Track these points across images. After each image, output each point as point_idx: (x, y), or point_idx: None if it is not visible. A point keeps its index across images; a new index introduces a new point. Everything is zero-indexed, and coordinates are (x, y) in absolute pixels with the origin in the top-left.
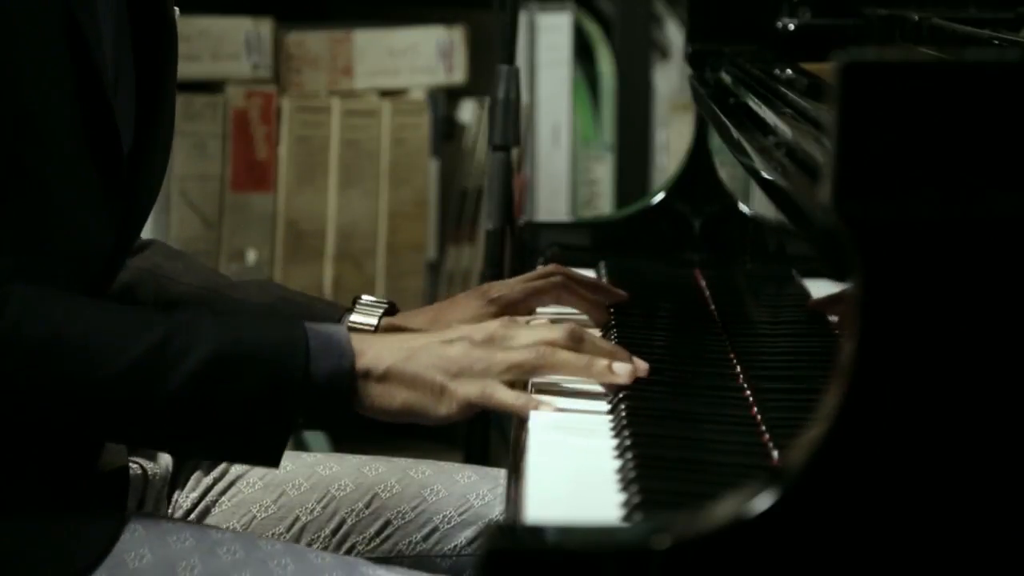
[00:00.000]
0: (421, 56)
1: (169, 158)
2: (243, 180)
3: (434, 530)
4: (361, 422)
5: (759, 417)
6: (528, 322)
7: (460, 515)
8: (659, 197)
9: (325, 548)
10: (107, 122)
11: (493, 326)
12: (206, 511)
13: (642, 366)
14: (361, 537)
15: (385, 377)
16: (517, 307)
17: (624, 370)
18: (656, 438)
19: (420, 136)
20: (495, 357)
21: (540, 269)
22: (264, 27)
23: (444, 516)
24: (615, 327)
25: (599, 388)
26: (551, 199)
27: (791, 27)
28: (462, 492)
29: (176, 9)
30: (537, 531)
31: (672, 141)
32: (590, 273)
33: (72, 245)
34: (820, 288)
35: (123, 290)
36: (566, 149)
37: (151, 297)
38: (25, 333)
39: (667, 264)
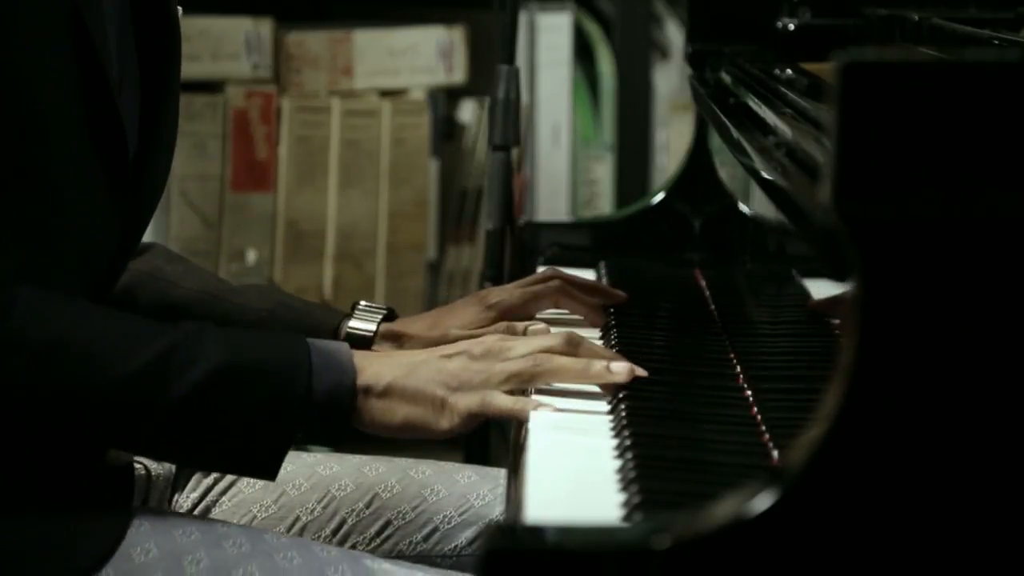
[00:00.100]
0: (421, 56)
1: (172, 158)
2: (243, 180)
3: (434, 530)
4: (361, 434)
5: (759, 417)
6: (526, 329)
7: (460, 515)
8: (659, 197)
9: None
10: (113, 122)
11: (491, 339)
12: (206, 511)
13: (640, 373)
14: (361, 537)
15: (386, 393)
16: (515, 312)
17: (622, 370)
18: (656, 438)
19: (420, 136)
20: (494, 368)
21: (538, 274)
22: (264, 27)
23: (444, 516)
24: (615, 327)
25: (599, 388)
26: (551, 199)
27: (791, 27)
28: (462, 492)
29: (179, 9)
30: (537, 531)
31: (672, 141)
32: (590, 273)
33: (77, 245)
34: (820, 288)
35: (122, 293)
36: (566, 149)
37: (150, 300)
38: (30, 336)
39: (667, 264)
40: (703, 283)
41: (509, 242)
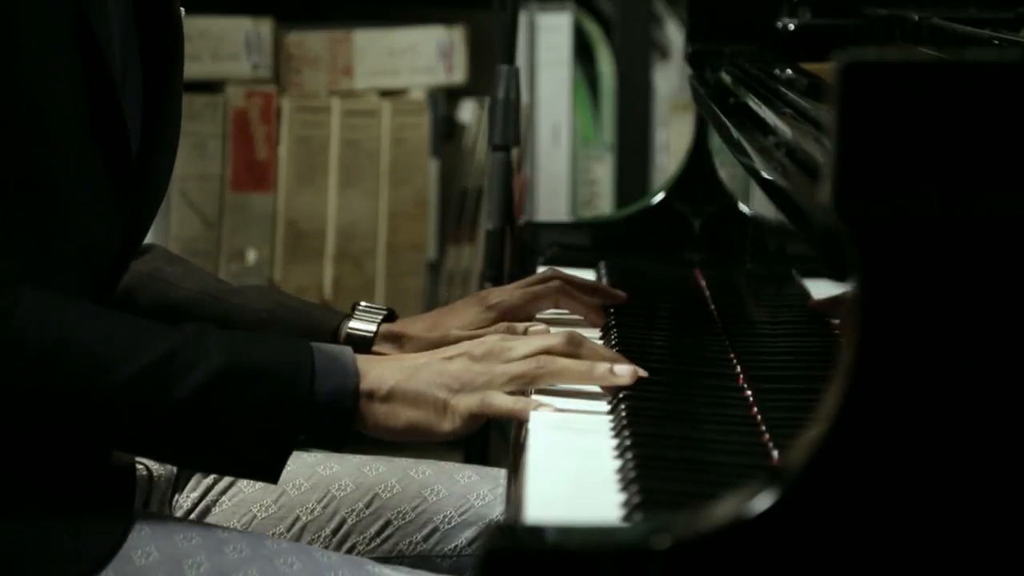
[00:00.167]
0: (421, 56)
1: (175, 159)
2: (243, 180)
3: (434, 530)
4: (364, 436)
5: (759, 417)
6: (526, 329)
7: (460, 515)
8: (659, 197)
9: (326, 548)
10: (117, 123)
11: (492, 339)
12: (206, 511)
13: (641, 374)
14: (361, 537)
15: (389, 397)
16: (516, 312)
17: (625, 371)
18: (656, 438)
19: (420, 136)
20: (496, 370)
21: (538, 274)
22: (264, 27)
23: (444, 516)
24: (615, 327)
25: (599, 388)
26: (551, 199)
27: (791, 27)
28: (462, 492)
29: (182, 11)
30: (537, 531)
31: (672, 141)
32: (590, 273)
33: (81, 246)
34: (820, 288)
35: (122, 293)
36: (566, 149)
37: (150, 301)
38: (32, 337)
39: (667, 264)
40: (703, 283)
41: (509, 242)
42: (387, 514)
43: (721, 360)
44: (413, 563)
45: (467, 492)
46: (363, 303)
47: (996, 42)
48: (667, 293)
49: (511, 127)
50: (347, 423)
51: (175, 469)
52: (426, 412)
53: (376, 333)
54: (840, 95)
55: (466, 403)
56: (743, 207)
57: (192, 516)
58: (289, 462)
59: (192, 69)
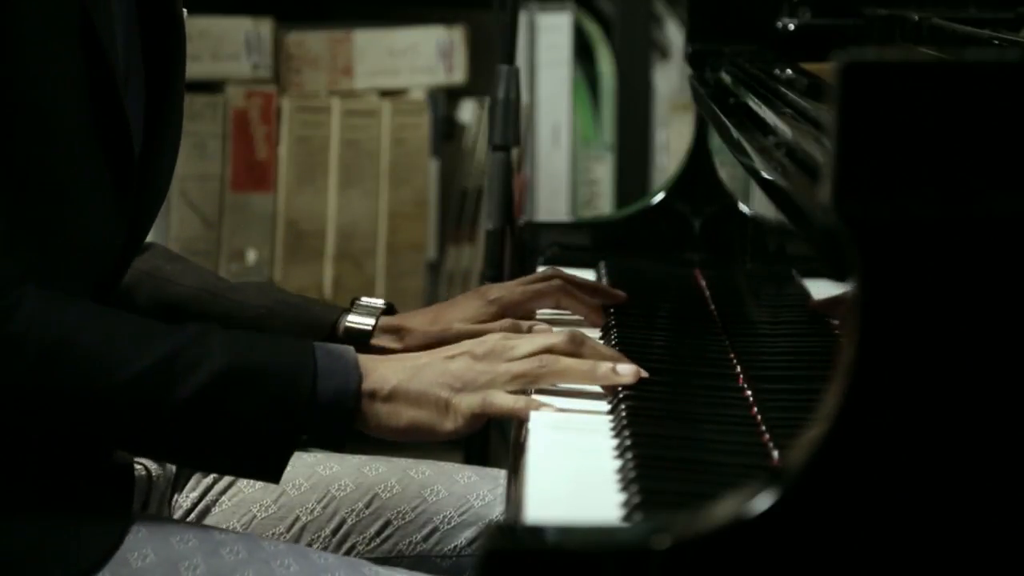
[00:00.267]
0: (421, 56)
1: (177, 158)
2: (243, 180)
3: (434, 530)
4: (365, 437)
5: (759, 417)
6: (530, 327)
7: (460, 515)
8: (659, 197)
9: (325, 548)
10: (119, 122)
11: (493, 338)
12: (206, 510)
13: (642, 374)
14: (361, 537)
15: (391, 397)
16: (516, 309)
17: (628, 371)
18: (656, 438)
19: (420, 136)
20: (498, 369)
21: (539, 272)
22: (264, 27)
23: (444, 516)
24: (615, 328)
25: (599, 388)
26: (551, 199)
27: (791, 27)
28: (462, 492)
29: (184, 11)
30: (537, 531)
31: (672, 141)
32: (590, 273)
33: (83, 245)
34: (820, 288)
35: (122, 291)
36: (566, 149)
37: (148, 298)
38: (35, 337)
39: (667, 264)
40: (703, 283)
41: (509, 242)
42: (387, 514)
43: (721, 360)
44: (413, 563)
45: (467, 492)
46: (362, 298)
47: (996, 42)
48: (667, 293)
49: (511, 127)
50: (349, 423)
51: (174, 469)
52: (428, 412)
53: (375, 327)
54: (840, 95)
55: (468, 402)
56: (743, 207)
57: (192, 516)
58: (289, 462)
59: (192, 69)
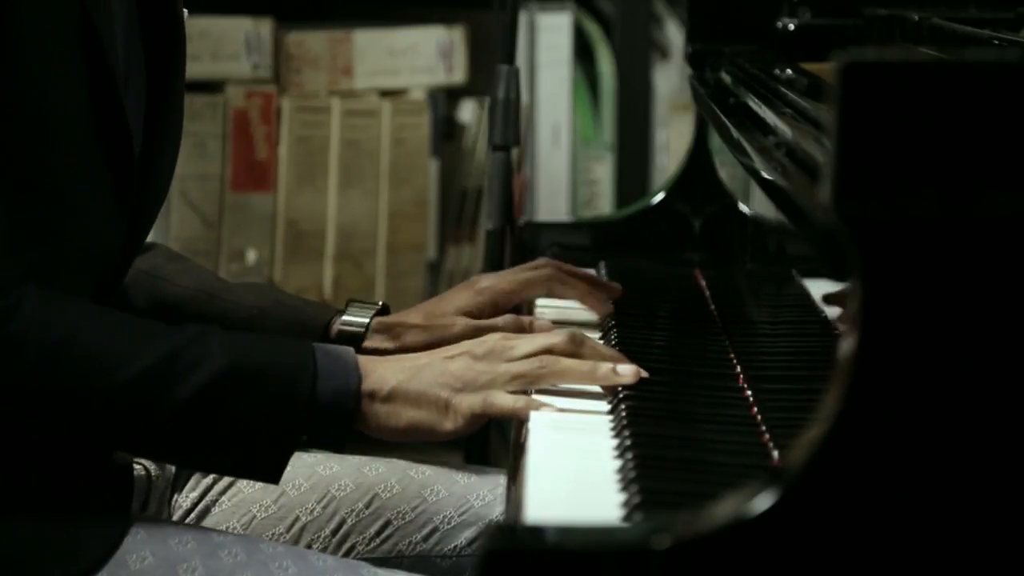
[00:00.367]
0: (421, 56)
1: (177, 158)
2: (243, 180)
3: (434, 530)
4: (365, 437)
5: (759, 417)
6: (531, 323)
7: (460, 515)
8: (659, 197)
9: (325, 548)
10: (119, 122)
11: (493, 338)
12: (206, 511)
13: (642, 374)
14: (361, 537)
15: (391, 397)
16: (507, 298)
17: (628, 371)
18: (656, 438)
19: (420, 136)
20: (498, 369)
21: (531, 262)
22: (264, 27)
23: (444, 516)
24: (615, 327)
25: (599, 388)
26: (551, 199)
27: (791, 27)
28: (462, 493)
29: (185, 12)
30: (537, 531)
31: (672, 141)
32: (589, 272)
33: (82, 245)
34: (820, 288)
35: (120, 291)
36: (566, 149)
37: (146, 298)
38: (35, 337)
39: (667, 264)
40: (703, 283)
41: (509, 242)
42: (387, 514)
43: (721, 360)
44: (413, 563)
45: (467, 492)
46: (357, 300)
47: (996, 42)
48: (667, 293)
49: (511, 127)
50: (349, 424)
51: (174, 469)
52: (428, 412)
53: (367, 328)
54: (840, 95)
55: (468, 402)
56: (743, 207)
57: (191, 516)
58: (289, 463)
59: (192, 69)
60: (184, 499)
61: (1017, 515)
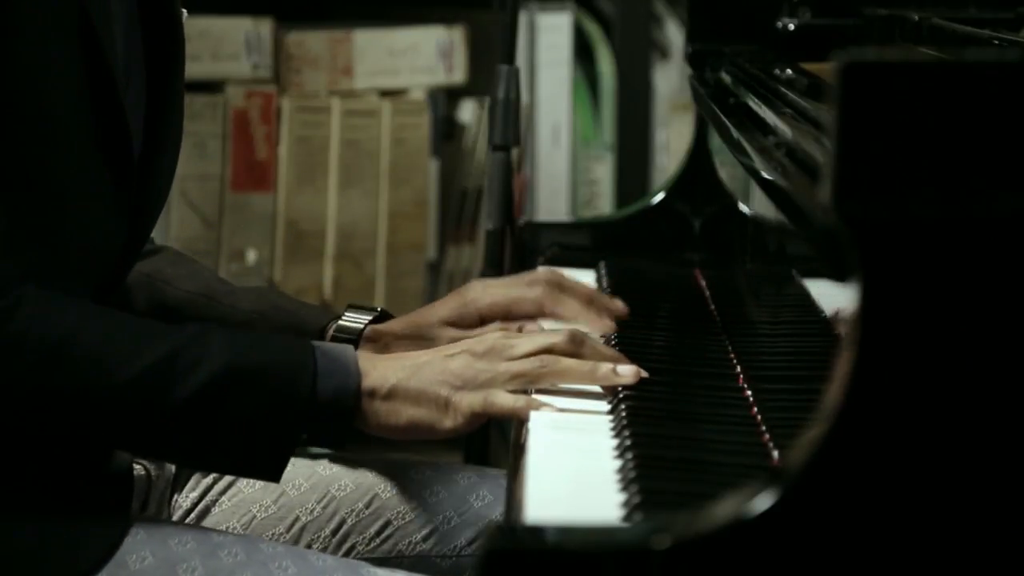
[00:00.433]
0: (421, 56)
1: (178, 158)
2: (243, 180)
3: (434, 531)
4: (365, 435)
5: (759, 417)
6: (521, 328)
7: (460, 516)
8: (659, 197)
9: (325, 548)
10: (118, 123)
11: (493, 336)
12: (206, 511)
13: (642, 375)
14: (361, 537)
15: (391, 395)
16: (495, 311)
17: (628, 372)
18: (656, 438)
19: (420, 136)
20: (499, 367)
21: (529, 272)
22: (264, 27)
23: (444, 517)
24: (615, 328)
25: (599, 388)
26: (551, 199)
27: (791, 27)
28: (462, 493)
29: (184, 11)
30: (537, 531)
31: (672, 141)
32: (590, 273)
33: (83, 246)
34: (820, 288)
35: (123, 294)
36: (566, 149)
37: (147, 302)
38: (34, 337)
39: (667, 264)
40: (703, 283)
41: (509, 242)
42: (387, 514)
43: (721, 360)
44: (413, 563)
45: (467, 493)
46: (355, 305)
47: (996, 42)
48: (667, 293)
49: (511, 127)
50: (349, 422)
51: (173, 469)
52: (428, 410)
53: (360, 335)
54: (840, 95)
55: (468, 401)
56: (743, 207)
57: (192, 516)
58: (289, 463)
59: (192, 69)
60: (184, 499)
61: (1017, 515)
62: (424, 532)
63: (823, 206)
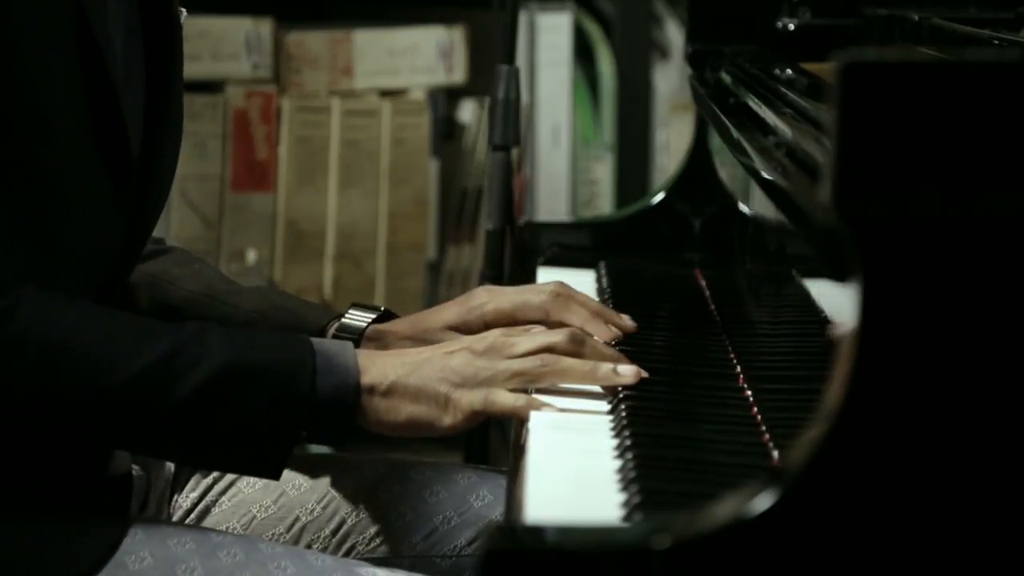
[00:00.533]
0: (421, 56)
1: (178, 158)
2: (243, 180)
3: (434, 531)
4: (365, 432)
5: (759, 417)
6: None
7: (460, 516)
8: (659, 197)
9: (325, 548)
10: (116, 123)
11: (493, 334)
12: (206, 511)
13: (643, 375)
14: (361, 537)
15: (390, 392)
16: (500, 320)
17: (629, 372)
18: (656, 438)
19: (420, 136)
20: (499, 366)
21: (538, 284)
22: (264, 27)
23: (444, 517)
24: None
25: (599, 388)
26: (551, 199)
27: (791, 27)
28: (462, 493)
29: (183, 11)
30: (537, 531)
31: (672, 141)
32: (590, 273)
33: (81, 246)
34: (820, 288)
35: (127, 293)
36: (566, 149)
37: (150, 302)
38: (34, 338)
39: (667, 264)
40: (703, 283)
41: (509, 242)
42: (387, 514)
43: (721, 360)
44: (412, 564)
45: (467, 493)
46: (358, 304)
47: (996, 42)
48: (667, 293)
49: (511, 127)
50: (349, 418)
51: (173, 469)
52: (428, 407)
53: (362, 334)
54: (840, 95)
55: (469, 399)
56: (743, 207)
57: (192, 516)
58: (288, 461)
59: (192, 69)
60: (184, 499)
61: (1017, 514)
62: (424, 532)
63: (823, 206)
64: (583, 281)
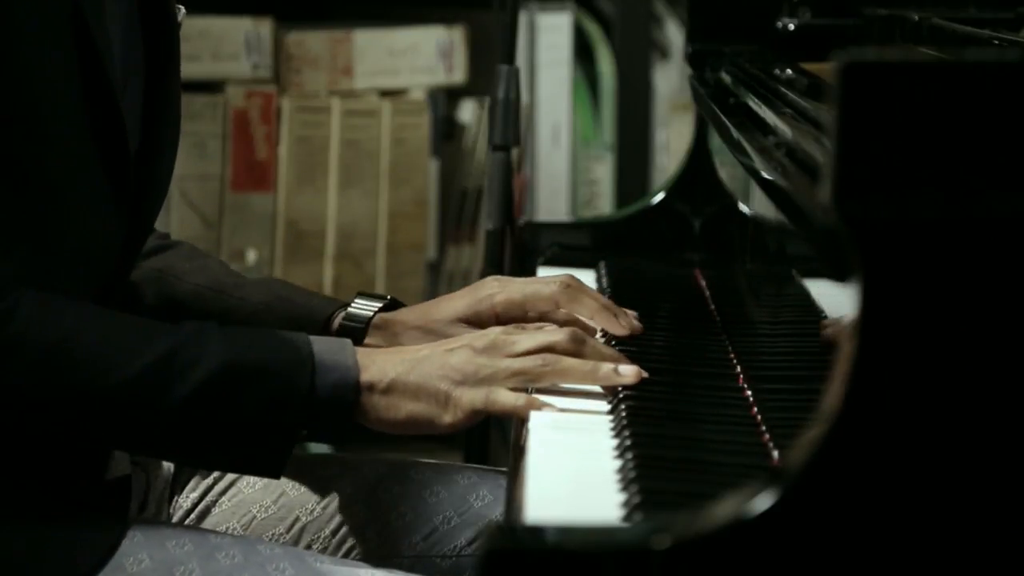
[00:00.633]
0: (421, 56)
1: (176, 157)
2: (243, 180)
3: (434, 531)
4: (365, 430)
5: (759, 417)
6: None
7: (460, 516)
8: (659, 197)
9: (325, 549)
10: (115, 123)
11: (494, 332)
12: (206, 511)
13: (643, 375)
14: (361, 538)
15: (390, 389)
16: (511, 311)
17: (629, 372)
18: (656, 438)
19: (420, 136)
20: (499, 364)
21: (547, 276)
22: (264, 27)
23: (444, 517)
24: None
25: (599, 388)
26: (551, 199)
27: (791, 27)
28: (462, 493)
29: (183, 10)
30: (537, 531)
31: (672, 141)
32: (590, 273)
33: (81, 246)
34: (820, 288)
35: (131, 289)
36: (566, 149)
37: (155, 296)
38: (33, 340)
39: (667, 264)
40: (703, 283)
41: (509, 242)
42: (387, 514)
43: (721, 360)
44: (412, 564)
45: (467, 493)
46: (364, 294)
47: (996, 42)
48: (667, 293)
49: (511, 127)
50: (348, 416)
51: (172, 470)
52: (427, 404)
53: (368, 324)
54: (840, 95)
55: (469, 397)
56: (743, 207)
57: (191, 517)
58: (288, 463)
59: (192, 69)
60: (184, 499)
61: (1017, 514)
62: (424, 532)
63: (823, 206)
64: (583, 281)
